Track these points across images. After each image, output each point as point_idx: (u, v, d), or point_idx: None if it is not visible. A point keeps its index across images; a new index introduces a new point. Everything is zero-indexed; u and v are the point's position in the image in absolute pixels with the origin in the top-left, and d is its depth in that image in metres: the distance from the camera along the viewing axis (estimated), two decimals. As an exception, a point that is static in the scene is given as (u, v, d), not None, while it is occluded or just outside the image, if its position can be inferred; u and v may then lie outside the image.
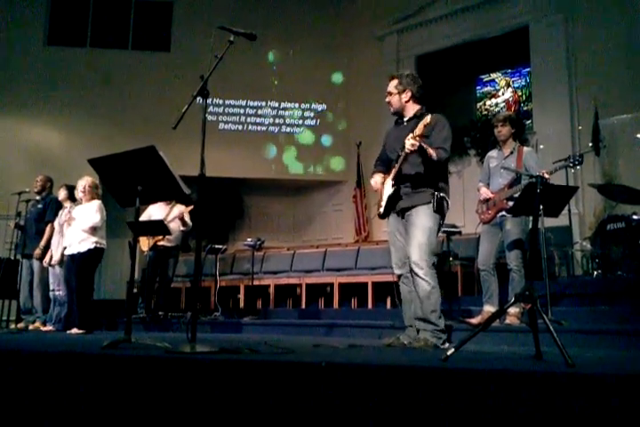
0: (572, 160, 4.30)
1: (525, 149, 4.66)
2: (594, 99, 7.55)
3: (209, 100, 11.23)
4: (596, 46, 7.95)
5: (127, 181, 3.15)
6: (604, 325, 4.13)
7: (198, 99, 2.89)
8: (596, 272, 5.81)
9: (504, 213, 4.45)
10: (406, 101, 3.64)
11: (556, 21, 8.47)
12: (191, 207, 6.43)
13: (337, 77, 10.69)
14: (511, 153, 4.57)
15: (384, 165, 3.77)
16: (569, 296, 5.02)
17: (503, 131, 4.58)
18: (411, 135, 3.33)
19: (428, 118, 3.31)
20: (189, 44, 9.76)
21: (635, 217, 5.45)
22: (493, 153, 4.72)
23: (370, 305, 6.67)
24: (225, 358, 2.24)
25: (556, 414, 1.78)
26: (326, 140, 10.53)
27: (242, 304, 7.44)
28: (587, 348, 3.50)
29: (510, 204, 4.36)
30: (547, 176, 4.27)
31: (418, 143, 3.31)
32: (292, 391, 2.02)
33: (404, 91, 3.62)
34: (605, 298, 4.77)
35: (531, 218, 3.33)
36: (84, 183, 5.61)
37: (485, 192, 4.56)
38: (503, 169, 4.38)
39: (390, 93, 3.65)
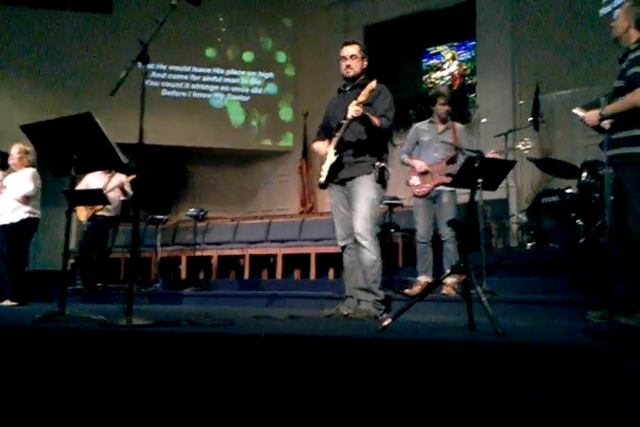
0: (521, 146, 4.66)
1: (458, 125, 4.78)
2: (535, 74, 7.71)
3: (151, 66, 10.86)
4: (539, 23, 8.07)
5: (62, 148, 3.02)
6: (536, 295, 4.30)
7: (139, 64, 2.77)
8: (530, 244, 6.02)
9: (441, 186, 4.55)
10: (363, 69, 3.64)
11: (501, -6, 8.55)
12: (133, 177, 6.25)
13: (283, 46, 10.50)
14: (447, 128, 4.65)
15: (326, 134, 3.74)
16: (504, 267, 5.18)
17: (447, 108, 4.65)
18: (354, 102, 3.33)
19: (373, 84, 3.33)
20: (132, 6, 9.35)
21: (568, 191, 5.64)
22: (424, 126, 4.76)
23: (313, 276, 6.72)
24: (162, 331, 2.21)
25: (485, 381, 1.85)
26: (272, 109, 10.39)
27: (183, 276, 7.37)
28: (519, 317, 3.65)
29: (449, 179, 4.47)
30: (497, 155, 4.41)
31: (362, 109, 3.31)
32: (232, 363, 2.02)
33: (364, 57, 3.63)
34: (538, 269, 4.96)
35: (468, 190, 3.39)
36: (15, 150, 5.38)
37: (423, 165, 4.61)
38: (444, 143, 4.45)
39: (354, 57, 3.59)
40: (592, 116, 3.16)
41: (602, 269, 3.35)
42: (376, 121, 3.41)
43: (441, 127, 4.68)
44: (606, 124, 3.14)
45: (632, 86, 2.95)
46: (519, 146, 4.73)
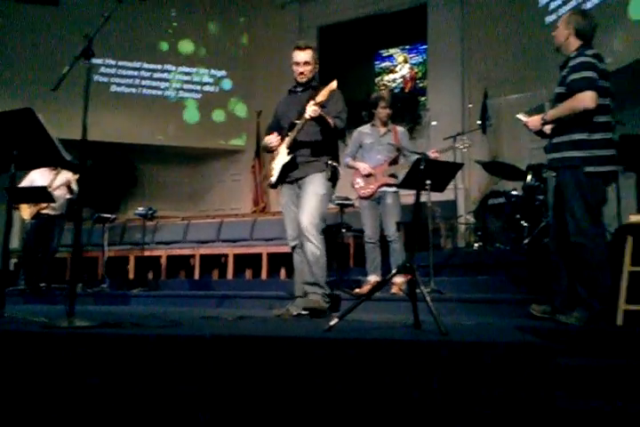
0: (461, 144, 4.84)
1: (398, 128, 4.89)
2: (484, 78, 7.90)
3: (100, 61, 10.59)
4: (487, 29, 8.26)
5: (1, 144, 2.92)
6: (482, 294, 4.41)
7: (82, 60, 2.70)
8: (477, 244, 6.16)
9: (385, 187, 4.65)
10: (314, 73, 3.68)
11: (452, 1, 8.71)
12: (76, 176, 6.09)
13: (237, 44, 10.42)
14: (388, 131, 4.75)
15: (276, 131, 3.74)
16: (452, 267, 5.29)
17: (388, 111, 4.74)
18: (312, 102, 3.34)
19: (334, 84, 3.37)
20: (80, -1, 9.11)
21: (514, 193, 5.81)
22: (366, 129, 4.86)
23: (264, 276, 6.70)
24: (104, 333, 2.17)
25: (428, 379, 1.88)
26: (225, 107, 10.31)
27: (132, 276, 7.22)
28: (465, 315, 3.74)
29: (393, 180, 4.59)
30: (437, 155, 4.54)
31: (319, 110, 3.33)
32: (176, 365, 1.99)
33: (317, 61, 3.66)
34: (484, 269, 5.09)
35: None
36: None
37: (367, 168, 4.71)
38: (389, 145, 4.53)
39: (308, 64, 3.61)
40: (534, 121, 3.27)
41: (544, 269, 3.46)
42: (331, 121, 3.44)
43: (382, 130, 4.78)
44: (548, 128, 3.25)
45: (571, 92, 3.06)
46: (458, 145, 4.90)
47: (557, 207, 3.26)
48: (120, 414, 1.95)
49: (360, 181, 4.76)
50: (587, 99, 3.00)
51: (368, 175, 4.70)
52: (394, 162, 4.74)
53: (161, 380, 1.98)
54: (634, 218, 3.38)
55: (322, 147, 3.54)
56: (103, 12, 2.75)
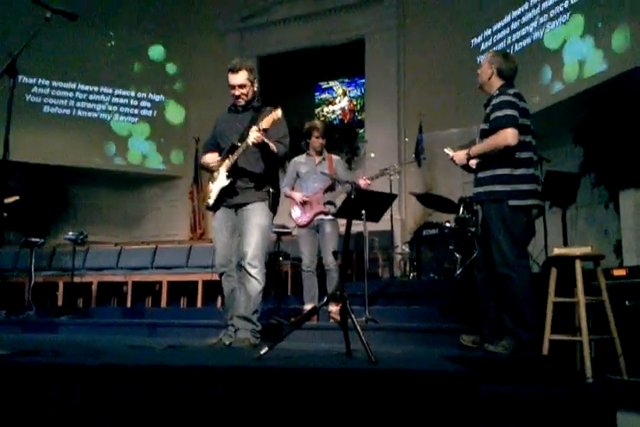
0: (391, 170, 4.88)
1: (334, 156, 4.99)
2: (419, 113, 8.17)
3: (33, 80, 10.28)
4: (424, 65, 8.61)
5: None
6: (415, 323, 4.46)
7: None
8: (412, 274, 6.27)
9: (322, 215, 4.69)
10: (255, 92, 3.56)
11: (389, 37, 9.06)
12: (15, 198, 5.85)
13: (175, 69, 10.42)
14: (323, 159, 4.83)
15: (213, 151, 3.65)
16: (387, 296, 5.34)
17: (321, 141, 4.83)
18: (255, 128, 3.24)
19: (278, 112, 3.24)
20: (6, 16, 8.83)
21: (447, 224, 5.97)
22: (301, 159, 4.93)
23: (199, 304, 6.57)
24: (18, 361, 2.06)
25: (354, 407, 1.88)
26: (163, 132, 10.22)
27: (60, 302, 6.93)
28: (398, 344, 3.76)
29: (329, 207, 4.65)
30: (368, 182, 4.63)
31: (262, 136, 3.24)
32: (94, 395, 1.92)
33: (254, 80, 3.53)
34: (418, 298, 5.16)
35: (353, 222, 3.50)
36: None
37: (302, 196, 4.75)
38: (322, 174, 4.59)
39: (244, 86, 3.46)
40: (460, 155, 3.40)
41: (475, 299, 3.55)
42: (274, 148, 3.36)
43: (318, 159, 4.86)
44: (473, 163, 3.38)
45: (494, 129, 3.21)
46: (389, 171, 4.98)
47: (484, 239, 3.36)
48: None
49: (297, 210, 4.79)
50: (508, 136, 3.14)
51: (304, 204, 4.74)
52: (330, 189, 4.80)
53: (77, 410, 1.90)
54: (557, 251, 3.54)
55: (262, 174, 3.48)
56: (29, 30, 2.70)
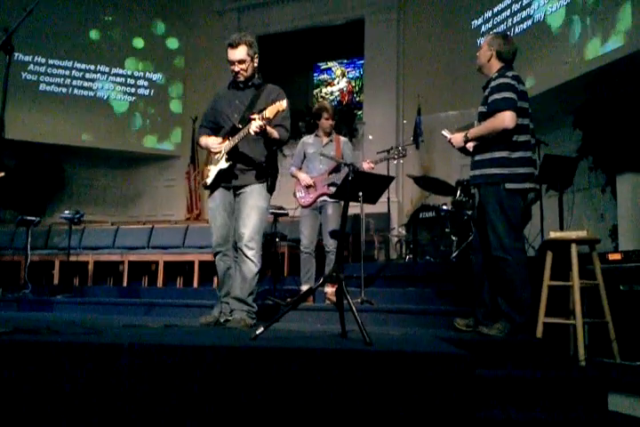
0: (395, 153, 4.69)
1: (341, 138, 4.96)
2: (417, 95, 8.12)
3: (29, 58, 10.18)
4: (423, 46, 8.53)
5: None
6: (411, 305, 4.49)
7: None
8: (408, 257, 6.28)
9: (325, 197, 4.67)
10: (255, 67, 3.49)
11: (389, 18, 8.96)
12: (1, 174, 5.81)
13: (174, 48, 10.31)
14: (330, 141, 4.81)
15: (210, 128, 3.62)
16: (383, 278, 5.36)
17: (331, 122, 4.80)
18: (258, 115, 3.15)
19: (283, 104, 3.13)
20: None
21: (444, 207, 5.97)
22: (309, 139, 4.92)
23: (195, 284, 6.59)
24: (16, 339, 2.07)
25: (350, 387, 1.90)
26: (160, 112, 10.14)
27: (56, 281, 6.94)
28: (394, 326, 3.79)
29: (332, 189, 4.61)
30: (372, 166, 4.59)
31: (264, 126, 3.17)
32: (95, 374, 1.93)
33: (254, 55, 3.45)
34: (414, 280, 5.18)
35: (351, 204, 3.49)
36: None
37: (306, 178, 4.74)
38: (322, 156, 4.57)
39: (243, 61, 3.40)
40: (457, 137, 3.37)
41: (470, 282, 3.56)
42: (275, 134, 3.32)
43: (325, 140, 4.84)
44: (470, 146, 3.36)
45: (492, 112, 3.19)
46: (393, 154, 4.82)
47: (480, 222, 3.36)
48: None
49: (301, 191, 4.79)
50: (506, 118, 3.12)
51: (308, 186, 4.74)
52: (335, 171, 4.76)
53: (74, 389, 1.91)
54: (554, 234, 3.55)
55: (262, 157, 3.45)
56: (25, 6, 2.66)
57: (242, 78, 3.47)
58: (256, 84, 3.50)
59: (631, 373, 3.08)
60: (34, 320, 3.67)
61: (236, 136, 3.33)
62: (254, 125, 3.14)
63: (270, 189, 3.50)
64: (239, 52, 3.39)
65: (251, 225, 3.36)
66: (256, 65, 3.50)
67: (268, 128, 3.24)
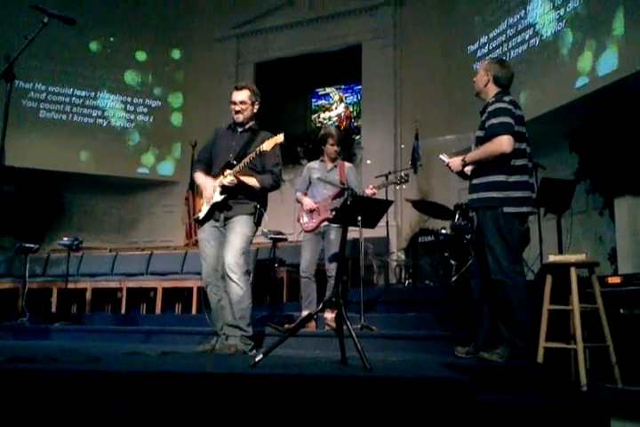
0: (398, 179, 4.78)
1: (346, 164, 5.00)
2: (415, 120, 8.19)
3: (29, 85, 10.27)
4: (420, 71, 8.65)
5: None
6: (411, 330, 4.45)
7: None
8: (407, 281, 6.26)
9: (327, 222, 4.68)
10: (254, 113, 3.72)
11: (386, 44, 9.10)
12: None
13: (173, 76, 10.43)
14: (335, 167, 4.84)
15: (206, 164, 3.80)
16: (383, 303, 5.34)
17: (336, 148, 4.85)
18: (230, 172, 3.46)
19: (281, 137, 3.41)
20: (2, 20, 8.87)
21: (443, 231, 5.97)
22: (315, 165, 4.96)
23: (194, 311, 6.54)
24: (12, 368, 2.05)
25: (350, 414, 1.88)
26: (159, 138, 10.22)
27: (54, 309, 6.90)
28: (394, 352, 3.75)
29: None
30: (375, 191, 4.62)
31: (236, 180, 3.45)
32: (93, 401, 1.91)
33: (255, 102, 3.70)
34: (414, 305, 5.15)
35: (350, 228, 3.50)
36: None
37: (310, 203, 4.77)
38: (325, 182, 4.60)
39: (244, 103, 3.66)
40: (455, 161, 3.40)
41: (470, 306, 3.54)
42: (254, 182, 3.54)
43: (330, 165, 4.88)
44: (468, 170, 3.39)
45: (490, 136, 3.22)
46: (394, 179, 4.91)
47: (478, 246, 3.36)
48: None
49: (305, 216, 4.81)
50: (504, 143, 3.15)
51: (311, 211, 4.76)
52: (339, 196, 4.78)
53: (73, 417, 1.89)
54: (553, 258, 3.54)
55: (253, 192, 3.61)
56: (27, 34, 2.70)
57: (240, 119, 3.69)
58: (253, 129, 3.73)
59: (633, 398, 3.04)
60: (31, 348, 3.64)
61: (231, 171, 3.52)
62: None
63: (257, 223, 3.64)
64: (242, 94, 3.67)
65: (233, 249, 3.48)
66: (255, 111, 3.75)
67: (245, 178, 3.49)
